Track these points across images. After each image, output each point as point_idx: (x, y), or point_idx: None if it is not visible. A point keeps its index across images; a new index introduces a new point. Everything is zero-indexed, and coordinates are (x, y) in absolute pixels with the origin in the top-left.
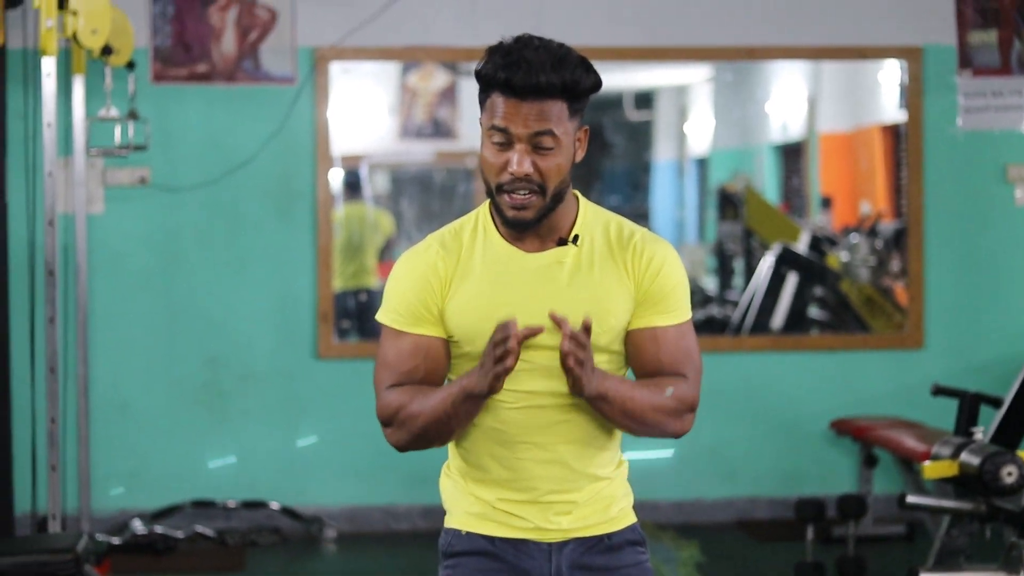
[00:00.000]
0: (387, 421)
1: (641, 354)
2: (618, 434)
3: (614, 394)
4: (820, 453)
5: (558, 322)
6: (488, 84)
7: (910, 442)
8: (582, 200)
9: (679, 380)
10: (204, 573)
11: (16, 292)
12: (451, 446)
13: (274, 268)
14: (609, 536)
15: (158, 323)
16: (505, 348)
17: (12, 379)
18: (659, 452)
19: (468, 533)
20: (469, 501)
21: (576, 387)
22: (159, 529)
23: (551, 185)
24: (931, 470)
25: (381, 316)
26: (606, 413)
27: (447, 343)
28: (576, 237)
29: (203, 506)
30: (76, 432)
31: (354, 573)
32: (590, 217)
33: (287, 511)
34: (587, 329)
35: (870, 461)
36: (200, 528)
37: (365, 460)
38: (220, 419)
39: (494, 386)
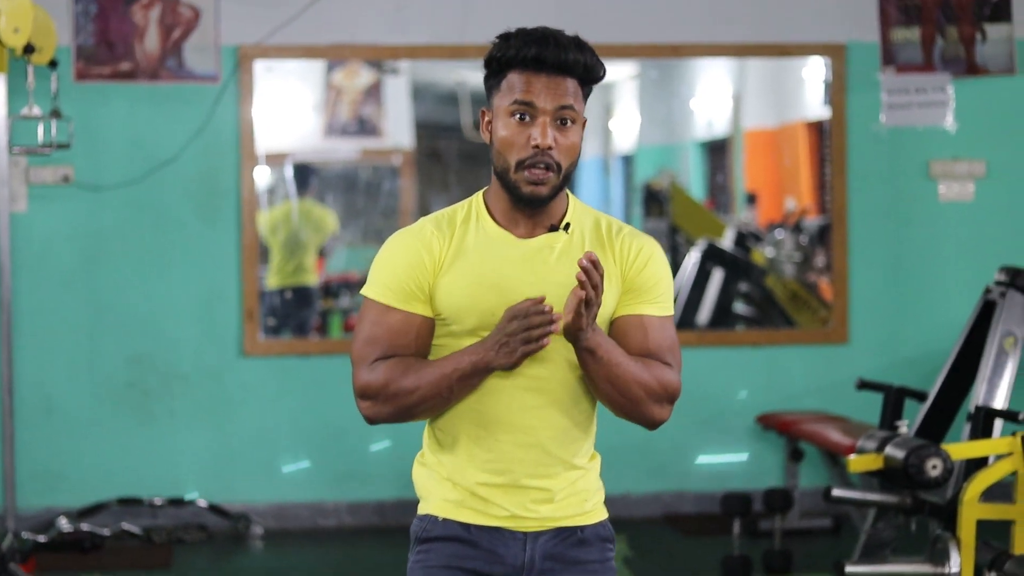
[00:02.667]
0: (370, 395)
1: (628, 340)
2: (594, 425)
3: (604, 352)
4: (746, 447)
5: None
6: (509, 64)
7: (835, 436)
8: (571, 195)
9: (664, 365)
10: (131, 571)
11: None
12: (426, 434)
13: (199, 266)
14: (582, 529)
15: (83, 322)
16: (542, 329)
17: None
18: None
19: (444, 520)
20: (446, 488)
21: (575, 324)
22: (85, 527)
23: (566, 164)
24: (856, 463)
25: (368, 291)
26: (592, 373)
27: (433, 324)
28: (568, 225)
29: (129, 503)
30: (1, 430)
31: (281, 570)
32: (579, 210)
33: (213, 508)
34: (594, 263)
35: (796, 455)
36: (126, 526)
37: (292, 457)
38: (146, 417)
39: (518, 362)
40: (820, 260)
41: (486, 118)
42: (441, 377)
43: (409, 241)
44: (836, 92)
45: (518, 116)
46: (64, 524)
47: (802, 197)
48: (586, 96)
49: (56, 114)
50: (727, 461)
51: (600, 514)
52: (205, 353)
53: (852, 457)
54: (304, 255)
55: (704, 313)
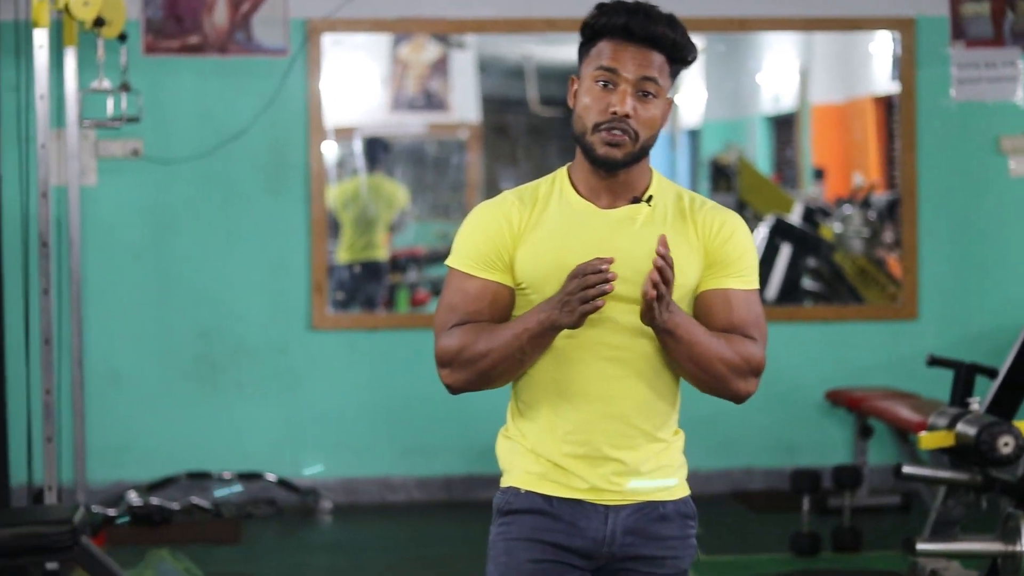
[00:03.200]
0: (447, 362)
1: (713, 315)
2: (678, 399)
3: (683, 332)
4: (815, 424)
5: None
6: (600, 32)
7: (905, 413)
8: (654, 170)
9: (748, 340)
10: (199, 545)
11: (10, 264)
12: (510, 407)
13: (267, 240)
14: (664, 504)
15: (151, 295)
16: (598, 289)
17: (7, 351)
18: None
19: (527, 492)
20: (529, 460)
21: (649, 314)
22: (154, 501)
23: (644, 134)
24: (927, 440)
25: (451, 260)
26: (673, 352)
27: (512, 293)
28: (651, 197)
29: (199, 478)
30: (71, 404)
31: (350, 544)
32: (663, 184)
33: (283, 483)
34: (666, 259)
35: (865, 432)
36: (195, 500)
37: (361, 431)
38: (214, 391)
39: (580, 321)
40: (888, 236)
41: (574, 86)
42: (512, 338)
43: (490, 212)
44: (905, 67)
45: (601, 83)
46: (134, 498)
47: (870, 172)
48: (674, 75)
49: (125, 87)
50: (796, 437)
51: (683, 490)
52: (273, 327)
53: (923, 434)
54: (374, 231)
55: (772, 289)
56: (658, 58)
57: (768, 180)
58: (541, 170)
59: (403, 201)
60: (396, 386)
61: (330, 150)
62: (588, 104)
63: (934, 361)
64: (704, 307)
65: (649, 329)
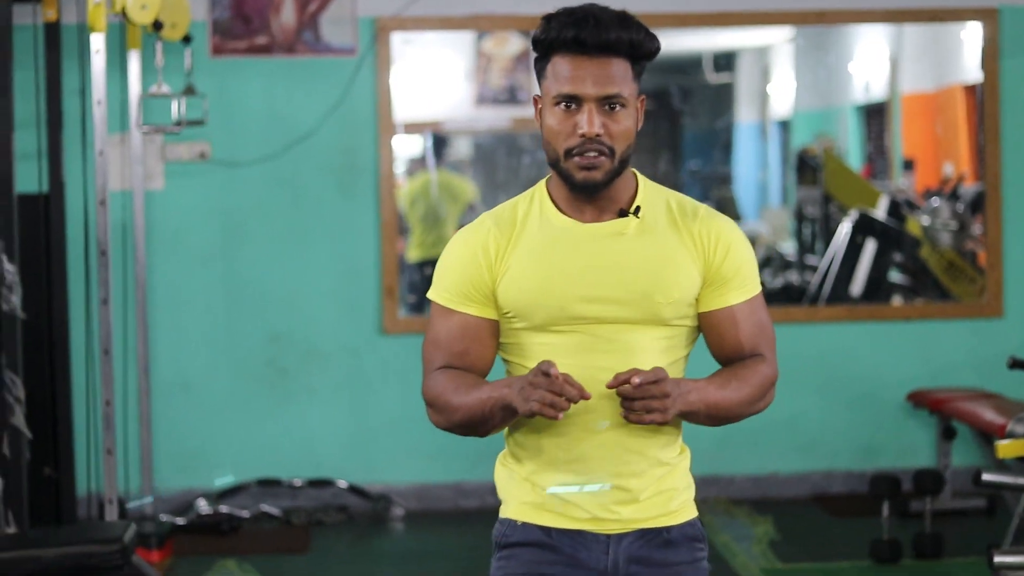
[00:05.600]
0: (428, 403)
1: (722, 337)
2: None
3: (700, 406)
4: (897, 426)
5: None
6: (552, 46)
7: (989, 415)
8: (640, 176)
9: (759, 362)
10: (269, 553)
11: (74, 272)
12: (507, 433)
13: (337, 243)
14: (668, 530)
15: (220, 300)
16: (556, 409)
17: (72, 360)
18: (733, 425)
19: (524, 523)
20: (525, 490)
21: (660, 420)
22: (224, 509)
23: (619, 148)
24: (1006, 449)
25: (431, 293)
26: (699, 423)
27: (496, 324)
28: (638, 208)
29: (269, 485)
30: (137, 412)
31: (422, 552)
32: (650, 191)
33: (354, 489)
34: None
35: (948, 434)
36: (265, 507)
37: (433, 437)
38: (284, 397)
39: (532, 415)
40: (977, 228)
41: (538, 105)
42: (479, 402)
43: (466, 242)
44: (989, 57)
45: (563, 105)
46: (203, 506)
47: (960, 163)
48: (639, 73)
49: (190, 91)
50: (878, 439)
51: (688, 512)
52: (344, 331)
53: (1001, 443)
54: (443, 227)
55: (857, 286)
56: (618, 65)
57: (854, 173)
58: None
59: (471, 196)
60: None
61: (402, 149)
62: (554, 128)
63: (1016, 363)
64: (711, 328)
65: (647, 347)
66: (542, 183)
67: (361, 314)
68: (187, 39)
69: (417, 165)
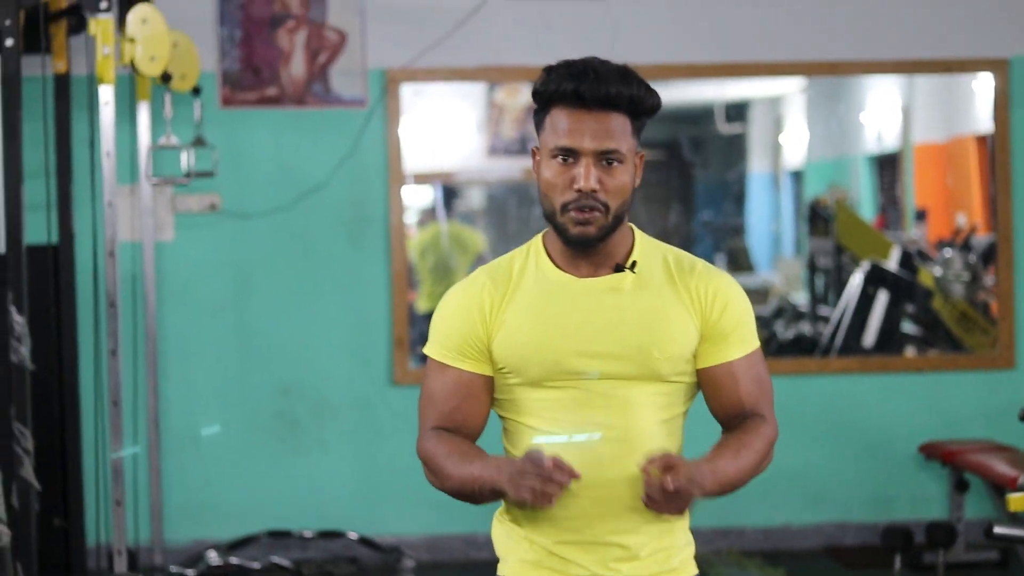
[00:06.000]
0: (423, 462)
1: (721, 393)
2: None
3: (712, 488)
4: (909, 477)
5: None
6: (551, 99)
7: (1001, 467)
8: (637, 231)
9: (761, 424)
10: None
11: (83, 323)
12: None
13: (347, 294)
14: None
15: (230, 351)
16: (547, 498)
17: (81, 411)
18: None
19: None
20: (523, 547)
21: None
22: (234, 560)
23: (615, 204)
24: (1017, 502)
25: (427, 348)
26: (714, 497)
27: (490, 380)
28: (634, 263)
29: (279, 536)
30: (147, 463)
31: None
32: (646, 246)
33: (365, 541)
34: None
35: (961, 486)
36: (276, 559)
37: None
38: (294, 449)
39: (520, 503)
40: (990, 279)
41: (536, 157)
42: (470, 479)
43: (461, 298)
44: (999, 108)
45: (560, 158)
46: (213, 557)
47: (972, 213)
48: (638, 129)
49: (199, 142)
50: (890, 491)
51: (689, 570)
52: (355, 382)
53: (1012, 496)
54: (453, 277)
55: (869, 337)
56: (617, 120)
57: (866, 224)
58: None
59: (481, 246)
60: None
61: (412, 200)
62: (551, 181)
63: None
64: (710, 383)
65: (644, 402)
66: (538, 237)
67: (372, 365)
68: (196, 90)
69: (427, 216)
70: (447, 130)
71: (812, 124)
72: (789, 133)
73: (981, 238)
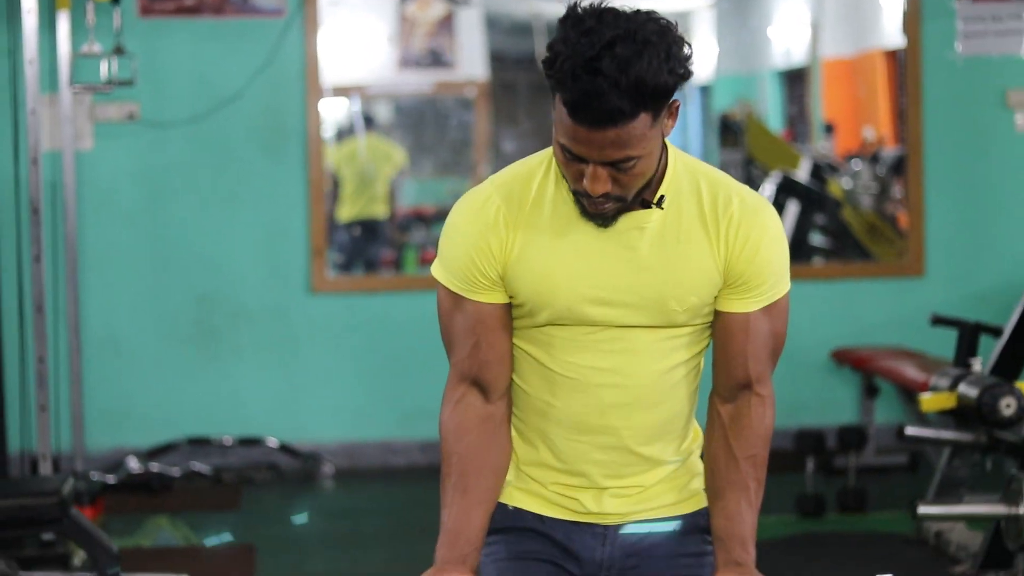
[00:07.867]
0: (440, 433)
1: (730, 340)
2: (692, 421)
3: (753, 548)
4: (821, 383)
5: None
6: (554, 88)
7: (911, 372)
8: (671, 151)
9: (754, 441)
10: (200, 511)
11: (3, 230)
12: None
13: (265, 203)
14: (674, 519)
15: (148, 260)
16: None
17: (2, 318)
18: None
19: (516, 508)
20: (520, 477)
21: None
22: (154, 467)
23: (632, 191)
24: (929, 403)
25: (437, 271)
26: None
27: (507, 306)
28: (662, 199)
29: (199, 443)
30: (68, 370)
31: (352, 509)
32: (680, 173)
33: (284, 447)
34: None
35: (871, 391)
36: (196, 466)
37: (361, 395)
38: (214, 356)
39: None
40: (898, 191)
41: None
42: (442, 515)
43: (472, 220)
44: (911, 21)
45: (568, 153)
46: (133, 464)
47: (880, 127)
48: (657, 113)
49: (119, 51)
50: (802, 397)
51: (696, 502)
52: (272, 291)
53: (924, 396)
54: (373, 188)
55: None
56: (632, 127)
57: (775, 136)
58: (547, 127)
59: (400, 160)
60: (398, 349)
61: (330, 111)
62: (561, 162)
63: (937, 320)
64: (723, 329)
65: (651, 349)
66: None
67: (289, 274)
68: (115, 0)
69: (347, 130)
70: (359, 42)
71: (721, 39)
72: (697, 48)
73: (889, 151)
